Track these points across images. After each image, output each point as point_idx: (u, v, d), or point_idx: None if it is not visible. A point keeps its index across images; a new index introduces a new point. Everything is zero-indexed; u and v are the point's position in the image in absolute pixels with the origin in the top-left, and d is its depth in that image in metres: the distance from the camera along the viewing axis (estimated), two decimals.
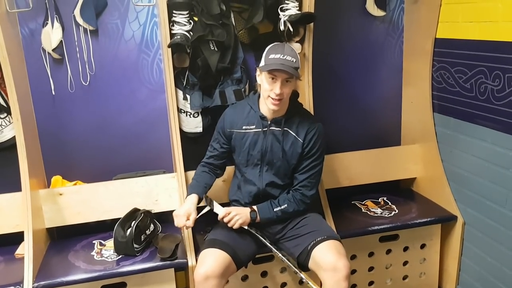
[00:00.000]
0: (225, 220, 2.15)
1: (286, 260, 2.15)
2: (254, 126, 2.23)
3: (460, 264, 2.71)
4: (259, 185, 2.25)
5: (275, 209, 2.20)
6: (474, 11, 2.37)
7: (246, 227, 2.18)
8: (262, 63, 2.13)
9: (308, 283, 2.08)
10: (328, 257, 2.05)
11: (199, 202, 2.22)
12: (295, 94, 2.28)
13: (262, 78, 2.12)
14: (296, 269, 2.12)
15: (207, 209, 2.22)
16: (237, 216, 2.15)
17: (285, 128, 2.20)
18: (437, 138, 2.77)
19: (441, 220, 2.70)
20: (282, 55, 2.06)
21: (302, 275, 2.10)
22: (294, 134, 2.20)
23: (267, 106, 2.15)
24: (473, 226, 2.58)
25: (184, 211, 2.12)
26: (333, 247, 2.10)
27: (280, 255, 2.16)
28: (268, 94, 2.09)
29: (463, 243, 2.66)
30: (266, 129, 2.21)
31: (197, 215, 2.14)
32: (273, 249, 2.18)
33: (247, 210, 2.19)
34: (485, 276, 2.52)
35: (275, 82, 2.06)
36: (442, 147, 2.74)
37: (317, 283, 2.08)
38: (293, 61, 2.06)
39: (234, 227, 2.15)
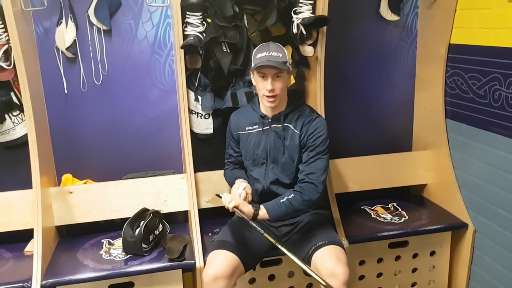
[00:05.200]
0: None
1: (294, 258, 2.00)
2: (256, 126, 2.27)
3: (470, 272, 2.68)
4: (263, 183, 2.26)
5: (281, 200, 2.12)
6: (489, 17, 2.35)
7: (250, 222, 2.06)
8: (252, 65, 2.18)
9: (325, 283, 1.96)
10: (326, 263, 2.03)
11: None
12: (295, 91, 2.28)
13: (255, 79, 2.19)
14: (304, 266, 1.99)
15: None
16: (231, 200, 2.07)
17: (286, 124, 2.22)
18: (449, 144, 2.74)
19: (452, 227, 2.67)
20: (267, 53, 2.11)
21: (311, 272, 1.97)
22: (292, 128, 2.22)
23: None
24: (484, 234, 2.55)
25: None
26: (333, 252, 2.08)
27: (285, 248, 2.03)
28: (262, 93, 2.14)
29: (473, 251, 2.63)
30: (267, 127, 2.24)
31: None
32: (280, 246, 2.04)
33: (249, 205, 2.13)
34: (495, 285, 2.49)
35: (266, 79, 2.11)
36: (454, 154, 2.72)
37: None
38: (279, 56, 2.11)
39: (230, 206, 2.05)
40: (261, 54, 2.12)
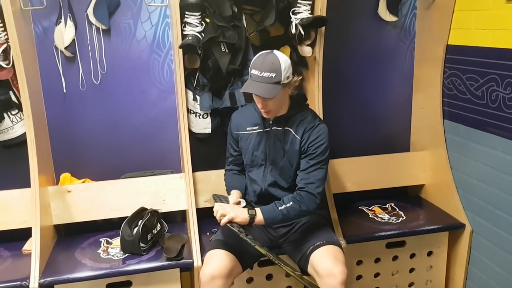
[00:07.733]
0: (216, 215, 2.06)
1: (284, 267, 2.04)
2: (257, 127, 2.25)
3: (467, 272, 2.69)
4: (261, 185, 2.25)
5: (279, 208, 2.10)
6: (487, 18, 2.35)
7: (241, 235, 2.02)
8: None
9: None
10: (324, 263, 2.03)
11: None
12: (300, 95, 2.28)
13: None
14: (295, 275, 2.04)
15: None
16: (222, 211, 2.04)
17: (286, 128, 2.20)
18: (446, 145, 2.75)
19: (449, 227, 2.68)
20: (259, 72, 2.00)
21: (300, 278, 2.04)
22: (293, 133, 2.19)
23: None
24: (481, 235, 2.56)
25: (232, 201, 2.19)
26: (331, 252, 2.08)
27: (276, 260, 2.05)
28: (257, 104, 2.13)
29: (470, 251, 2.64)
30: (268, 129, 2.22)
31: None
32: (271, 256, 2.05)
33: (244, 209, 2.11)
34: (492, 286, 2.49)
35: (257, 97, 2.09)
36: (452, 154, 2.72)
37: None
38: (271, 76, 1.99)
39: (221, 222, 2.03)
40: (254, 71, 2.02)
